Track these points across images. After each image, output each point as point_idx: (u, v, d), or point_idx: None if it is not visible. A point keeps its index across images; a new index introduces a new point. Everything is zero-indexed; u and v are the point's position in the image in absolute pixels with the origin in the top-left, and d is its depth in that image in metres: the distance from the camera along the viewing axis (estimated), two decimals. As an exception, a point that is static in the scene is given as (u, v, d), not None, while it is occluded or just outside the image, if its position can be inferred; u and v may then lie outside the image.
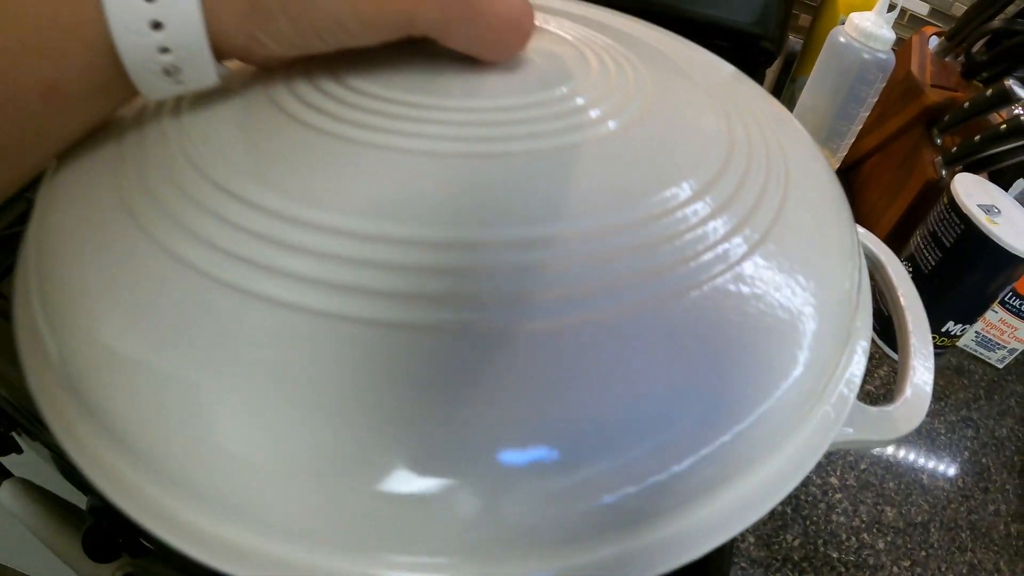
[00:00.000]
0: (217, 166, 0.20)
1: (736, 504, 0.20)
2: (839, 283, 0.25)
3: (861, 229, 0.38)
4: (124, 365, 0.18)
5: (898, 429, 0.28)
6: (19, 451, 0.58)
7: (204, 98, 0.22)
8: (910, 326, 0.32)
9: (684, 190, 0.22)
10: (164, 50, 0.18)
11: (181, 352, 0.18)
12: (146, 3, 0.17)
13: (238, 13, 0.18)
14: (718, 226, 0.21)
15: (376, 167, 0.20)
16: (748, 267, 0.21)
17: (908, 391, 0.30)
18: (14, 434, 0.56)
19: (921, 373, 0.30)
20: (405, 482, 0.17)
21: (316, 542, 0.17)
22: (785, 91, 0.76)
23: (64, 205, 0.22)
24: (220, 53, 0.19)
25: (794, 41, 0.77)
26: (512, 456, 0.17)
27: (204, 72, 0.19)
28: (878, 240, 0.37)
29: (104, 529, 0.48)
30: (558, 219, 0.20)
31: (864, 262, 0.29)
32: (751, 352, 0.20)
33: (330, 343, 0.17)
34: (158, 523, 0.18)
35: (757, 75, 0.74)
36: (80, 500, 0.57)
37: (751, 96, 0.30)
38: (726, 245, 0.21)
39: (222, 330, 0.18)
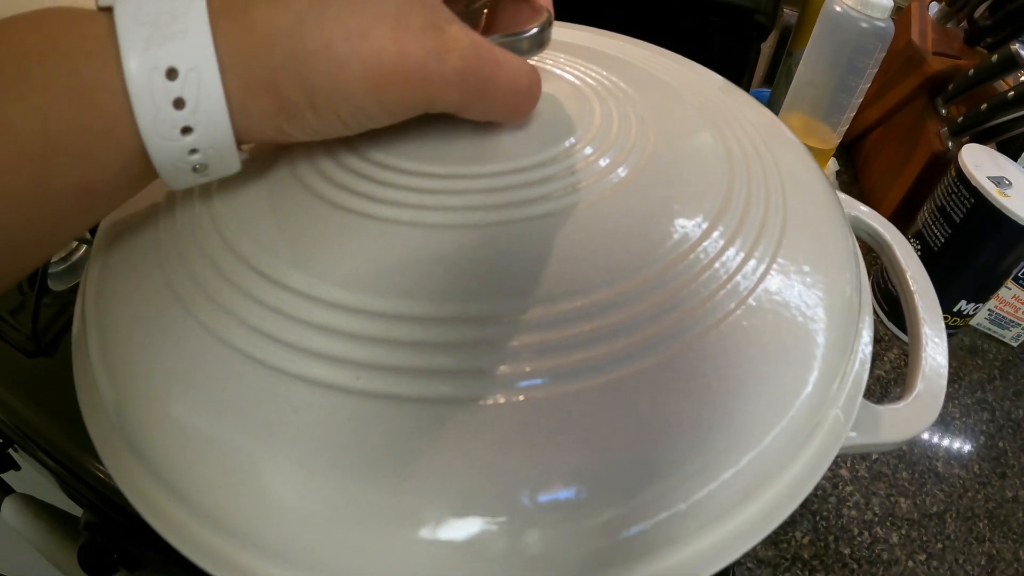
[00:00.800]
0: (250, 248, 0.22)
1: (755, 517, 0.21)
2: (842, 291, 0.25)
3: (864, 208, 0.36)
4: (181, 433, 0.20)
5: (910, 429, 0.26)
6: (17, 468, 0.58)
7: (232, 178, 0.23)
8: (921, 313, 0.30)
9: (697, 227, 0.23)
10: (193, 151, 0.19)
11: (233, 426, 0.19)
12: (176, 110, 0.18)
13: (266, 113, 0.19)
14: (731, 257, 0.23)
15: (401, 243, 0.21)
16: (760, 297, 0.22)
17: (919, 385, 0.28)
18: (11, 451, 0.56)
19: (933, 364, 0.29)
20: (442, 529, 0.18)
21: None
22: (782, 66, 0.73)
23: (115, 282, 0.24)
24: (244, 143, 0.20)
25: (789, 14, 0.75)
26: (541, 499, 0.18)
27: (229, 164, 0.20)
28: (883, 219, 0.35)
29: (99, 544, 0.47)
30: (581, 284, 0.21)
31: (860, 260, 0.28)
32: (767, 377, 0.21)
33: (362, 415, 0.19)
34: (212, 563, 0.20)
35: (751, 51, 0.71)
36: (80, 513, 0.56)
37: (741, 107, 0.31)
38: (739, 277, 0.22)
39: (264, 403, 0.19)
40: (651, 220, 0.23)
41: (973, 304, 0.51)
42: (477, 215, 0.22)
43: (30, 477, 0.58)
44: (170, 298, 0.22)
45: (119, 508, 0.40)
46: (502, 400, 0.19)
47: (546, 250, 0.22)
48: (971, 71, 0.53)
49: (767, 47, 0.76)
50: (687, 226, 0.23)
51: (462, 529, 0.18)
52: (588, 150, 0.24)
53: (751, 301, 0.22)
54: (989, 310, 0.53)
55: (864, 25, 0.55)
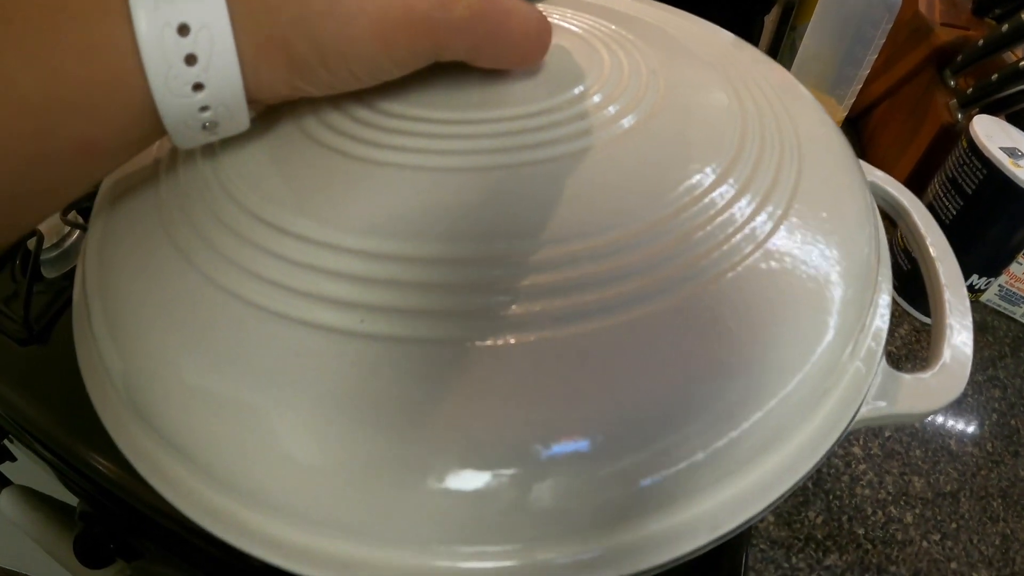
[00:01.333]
0: (253, 198, 0.21)
1: (777, 468, 0.20)
2: (859, 245, 0.24)
3: (880, 174, 0.35)
4: (190, 392, 0.20)
5: (937, 400, 0.25)
6: (12, 459, 0.56)
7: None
8: (943, 279, 0.29)
9: (708, 176, 0.22)
10: (204, 108, 0.19)
11: (237, 376, 0.19)
12: (188, 66, 0.17)
13: (278, 69, 0.19)
14: (743, 206, 0.22)
15: (409, 187, 0.21)
16: (776, 242, 0.21)
17: (946, 354, 0.26)
18: (6, 442, 0.55)
19: (959, 333, 0.27)
20: (452, 479, 0.17)
21: (375, 539, 0.18)
22: (786, 40, 0.72)
23: (116, 244, 0.23)
24: (255, 101, 0.20)
25: (792, -13, 0.73)
26: (553, 447, 0.18)
27: (239, 122, 0.20)
28: (900, 185, 0.34)
29: (95, 535, 0.46)
30: (592, 226, 0.20)
31: (878, 217, 0.27)
32: (785, 323, 0.20)
33: (373, 360, 0.18)
34: (223, 528, 0.19)
35: (754, 25, 0.70)
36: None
37: (753, 63, 0.30)
38: (753, 224, 0.21)
39: (272, 354, 0.19)
40: (663, 166, 0.22)
41: (985, 279, 0.49)
42: (485, 158, 0.21)
43: (26, 468, 0.57)
44: (172, 251, 0.21)
45: (115, 498, 0.38)
46: (512, 341, 0.18)
47: (555, 193, 0.21)
48: (980, 42, 0.52)
49: (770, 20, 0.74)
50: (701, 172, 0.22)
51: (471, 479, 0.17)
52: (597, 98, 0.23)
53: (768, 245, 0.21)
54: (1000, 286, 0.52)
55: (871, -5, 0.53)
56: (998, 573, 0.39)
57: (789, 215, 0.22)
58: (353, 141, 0.22)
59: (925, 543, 0.39)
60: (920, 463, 0.43)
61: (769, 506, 0.20)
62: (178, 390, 0.20)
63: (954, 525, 0.40)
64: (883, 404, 0.23)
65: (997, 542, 0.40)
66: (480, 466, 0.17)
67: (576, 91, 0.23)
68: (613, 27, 0.28)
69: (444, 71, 0.23)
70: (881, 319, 0.24)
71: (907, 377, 0.25)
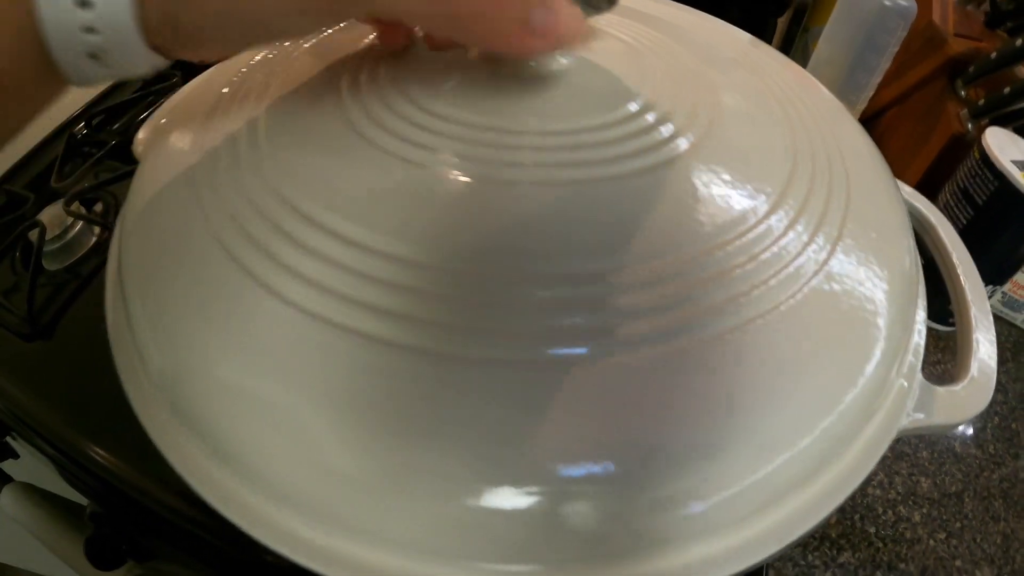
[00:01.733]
0: (304, 198, 0.21)
1: (829, 487, 0.21)
2: (902, 261, 0.25)
3: (907, 188, 0.36)
4: (232, 393, 0.20)
5: (966, 411, 0.26)
6: (15, 456, 0.56)
7: (281, 126, 0.23)
8: (968, 295, 0.30)
9: (765, 200, 0.22)
10: (90, 30, 0.18)
11: (280, 381, 0.19)
12: None
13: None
14: (800, 231, 0.22)
15: (466, 201, 0.21)
16: (833, 266, 0.22)
17: (974, 368, 0.28)
18: (9, 439, 0.54)
19: (985, 347, 0.29)
20: (486, 496, 0.18)
21: (409, 549, 0.18)
22: (797, 41, 0.73)
23: (152, 238, 0.23)
24: (152, 39, 0.19)
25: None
26: (587, 472, 0.18)
27: (134, 57, 0.19)
28: (926, 200, 0.35)
29: (106, 536, 0.46)
30: (649, 250, 0.20)
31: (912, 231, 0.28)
32: (839, 346, 0.21)
33: (415, 375, 0.18)
34: (262, 531, 0.19)
35: (767, 26, 0.70)
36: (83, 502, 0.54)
37: (782, 68, 0.30)
38: (810, 248, 0.22)
39: (319, 362, 0.19)
40: (723, 190, 0.22)
41: (991, 286, 0.51)
42: (539, 172, 0.21)
43: (29, 465, 0.56)
44: (214, 247, 0.21)
45: (126, 497, 0.38)
46: (554, 364, 0.18)
47: (614, 215, 0.21)
48: (993, 54, 0.53)
49: (781, 21, 0.75)
50: (758, 196, 0.23)
51: (502, 497, 0.18)
52: (650, 117, 0.24)
53: (826, 269, 0.22)
54: (1003, 293, 0.53)
55: (888, 3, 0.54)
56: (999, 570, 0.40)
57: (844, 236, 0.23)
58: (402, 142, 0.22)
59: (932, 541, 0.41)
60: (927, 464, 0.44)
61: (823, 520, 0.20)
62: (217, 388, 0.20)
63: (959, 524, 0.42)
64: (921, 416, 0.25)
65: (999, 541, 0.42)
66: (504, 485, 0.18)
67: (631, 108, 0.24)
68: (654, 33, 0.29)
69: (495, 78, 0.23)
70: (919, 334, 0.25)
71: (941, 390, 0.26)
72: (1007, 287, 0.53)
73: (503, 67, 0.23)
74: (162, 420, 0.22)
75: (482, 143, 0.22)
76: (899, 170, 0.59)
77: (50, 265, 0.48)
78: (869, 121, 0.67)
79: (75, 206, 0.49)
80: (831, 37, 0.60)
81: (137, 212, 0.25)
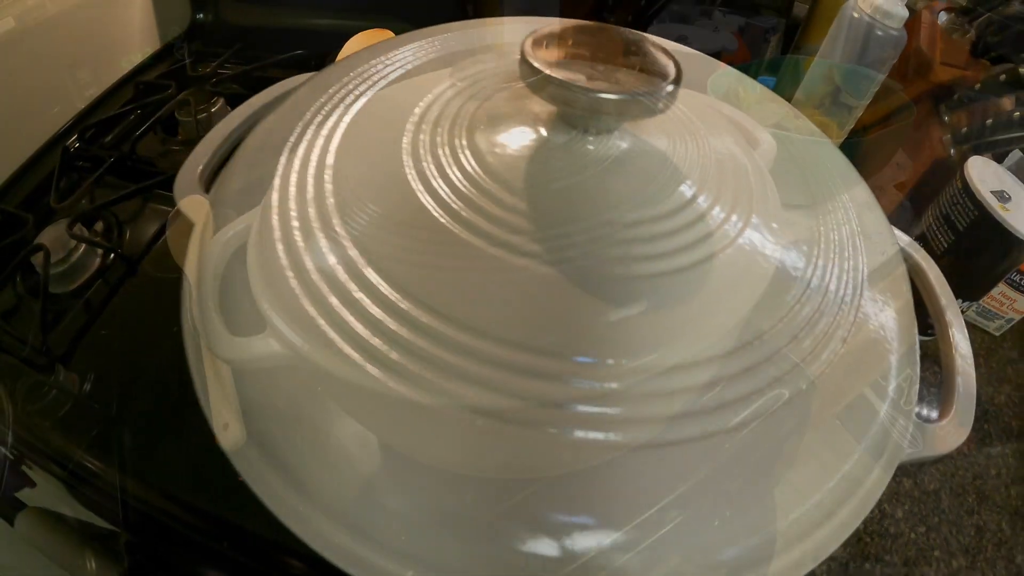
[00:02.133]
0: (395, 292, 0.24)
1: (847, 518, 0.27)
2: (905, 309, 0.29)
3: (903, 237, 0.40)
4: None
5: (950, 444, 0.31)
6: (32, 484, 0.53)
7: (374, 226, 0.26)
8: (955, 343, 0.35)
9: (800, 286, 0.26)
10: None
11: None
12: None
13: None
14: (832, 298, 0.26)
15: (527, 284, 0.24)
16: (857, 332, 0.26)
17: (956, 406, 0.33)
18: (24, 467, 0.51)
19: (968, 388, 0.33)
20: (532, 544, 0.22)
21: None
22: (788, 59, 0.76)
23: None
24: None
25: (799, 5, 0.78)
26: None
27: None
28: (918, 246, 0.40)
29: (144, 567, 0.45)
30: (705, 341, 0.24)
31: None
32: (861, 396, 0.26)
33: (483, 436, 0.22)
34: (331, 552, 0.23)
35: (762, 43, 0.74)
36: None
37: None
38: (836, 315, 0.26)
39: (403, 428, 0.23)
40: (764, 277, 0.26)
41: (967, 303, 0.56)
42: (594, 265, 0.25)
43: (48, 492, 0.53)
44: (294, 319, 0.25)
45: (161, 525, 0.39)
46: (599, 441, 0.22)
47: (662, 309, 0.25)
48: (978, 86, 0.58)
49: (774, 39, 0.79)
50: (795, 288, 0.26)
51: (543, 546, 0.22)
52: (702, 201, 0.27)
53: (851, 337, 0.26)
54: (978, 304, 0.59)
55: (879, 33, 0.58)
56: (973, 559, 0.46)
57: (863, 294, 0.27)
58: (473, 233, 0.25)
59: (913, 535, 0.46)
60: (908, 466, 0.50)
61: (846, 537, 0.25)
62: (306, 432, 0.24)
63: (936, 519, 0.47)
64: (915, 450, 0.29)
65: (973, 532, 0.47)
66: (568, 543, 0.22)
67: (685, 193, 0.27)
68: (683, 109, 0.32)
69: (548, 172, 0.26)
70: (914, 368, 0.30)
71: (930, 426, 0.31)
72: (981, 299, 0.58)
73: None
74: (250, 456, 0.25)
75: (546, 238, 0.25)
76: (881, 189, 0.64)
77: (56, 288, 0.47)
78: (855, 140, 0.71)
79: (78, 228, 0.48)
80: (824, 58, 0.64)
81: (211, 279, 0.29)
